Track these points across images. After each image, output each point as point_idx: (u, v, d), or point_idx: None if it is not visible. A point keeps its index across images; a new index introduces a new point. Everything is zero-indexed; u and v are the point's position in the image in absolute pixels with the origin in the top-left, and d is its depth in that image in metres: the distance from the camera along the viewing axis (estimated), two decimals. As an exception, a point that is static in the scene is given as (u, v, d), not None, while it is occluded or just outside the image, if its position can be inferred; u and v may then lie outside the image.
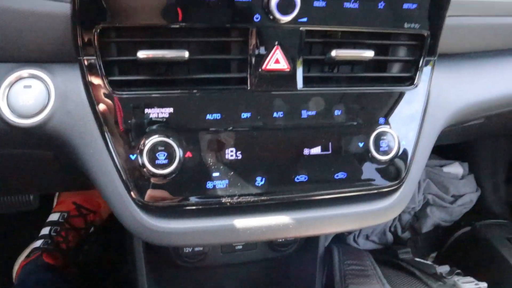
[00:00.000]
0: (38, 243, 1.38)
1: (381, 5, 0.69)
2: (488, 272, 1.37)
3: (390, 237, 1.64)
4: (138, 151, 0.64)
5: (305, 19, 0.67)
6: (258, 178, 0.69)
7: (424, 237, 1.72)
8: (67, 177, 1.02)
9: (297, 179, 0.71)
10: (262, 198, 0.70)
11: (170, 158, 0.64)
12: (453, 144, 1.56)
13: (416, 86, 0.77)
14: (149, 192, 0.66)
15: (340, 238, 1.59)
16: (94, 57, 0.62)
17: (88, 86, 0.63)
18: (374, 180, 0.75)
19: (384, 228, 1.63)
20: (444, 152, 1.75)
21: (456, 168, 1.67)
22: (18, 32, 0.60)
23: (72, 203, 1.48)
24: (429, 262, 1.20)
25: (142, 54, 0.63)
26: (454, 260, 1.51)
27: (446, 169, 1.65)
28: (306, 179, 0.71)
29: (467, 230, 1.57)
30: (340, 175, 0.73)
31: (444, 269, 1.09)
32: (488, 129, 1.31)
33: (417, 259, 1.23)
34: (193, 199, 0.67)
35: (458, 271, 1.07)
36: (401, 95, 0.76)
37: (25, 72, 0.62)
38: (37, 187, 1.28)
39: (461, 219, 1.63)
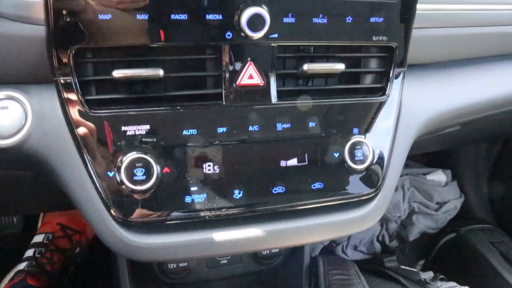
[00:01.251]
0: (22, 265, 1.36)
1: (348, 19, 0.72)
2: (474, 276, 1.39)
3: (378, 246, 1.65)
4: (116, 168, 0.65)
5: (276, 35, 0.69)
6: (236, 191, 0.70)
7: (412, 245, 1.73)
8: (49, 197, 1.02)
9: (275, 190, 0.72)
10: (241, 210, 0.71)
11: (148, 174, 0.65)
12: (435, 152, 1.59)
13: (388, 96, 0.79)
14: (129, 209, 0.66)
15: (328, 250, 1.59)
16: (70, 77, 0.63)
17: (65, 105, 0.64)
18: (350, 189, 0.76)
19: (372, 238, 1.64)
20: (427, 160, 1.77)
21: (439, 176, 1.69)
22: (-6, 55, 0.61)
23: (57, 223, 1.46)
24: (413, 269, 1.21)
25: (117, 73, 0.64)
26: (441, 266, 1.52)
27: (429, 177, 1.67)
28: (284, 190, 0.73)
29: (452, 236, 1.59)
30: (317, 185, 0.74)
31: (428, 275, 1.10)
32: (466, 136, 1.34)
33: (402, 266, 1.24)
34: (172, 214, 0.68)
35: (442, 276, 1.08)
36: (374, 105, 0.78)
37: (1, 93, 0.63)
38: (20, 208, 1.27)
39: (446, 225, 1.65)
